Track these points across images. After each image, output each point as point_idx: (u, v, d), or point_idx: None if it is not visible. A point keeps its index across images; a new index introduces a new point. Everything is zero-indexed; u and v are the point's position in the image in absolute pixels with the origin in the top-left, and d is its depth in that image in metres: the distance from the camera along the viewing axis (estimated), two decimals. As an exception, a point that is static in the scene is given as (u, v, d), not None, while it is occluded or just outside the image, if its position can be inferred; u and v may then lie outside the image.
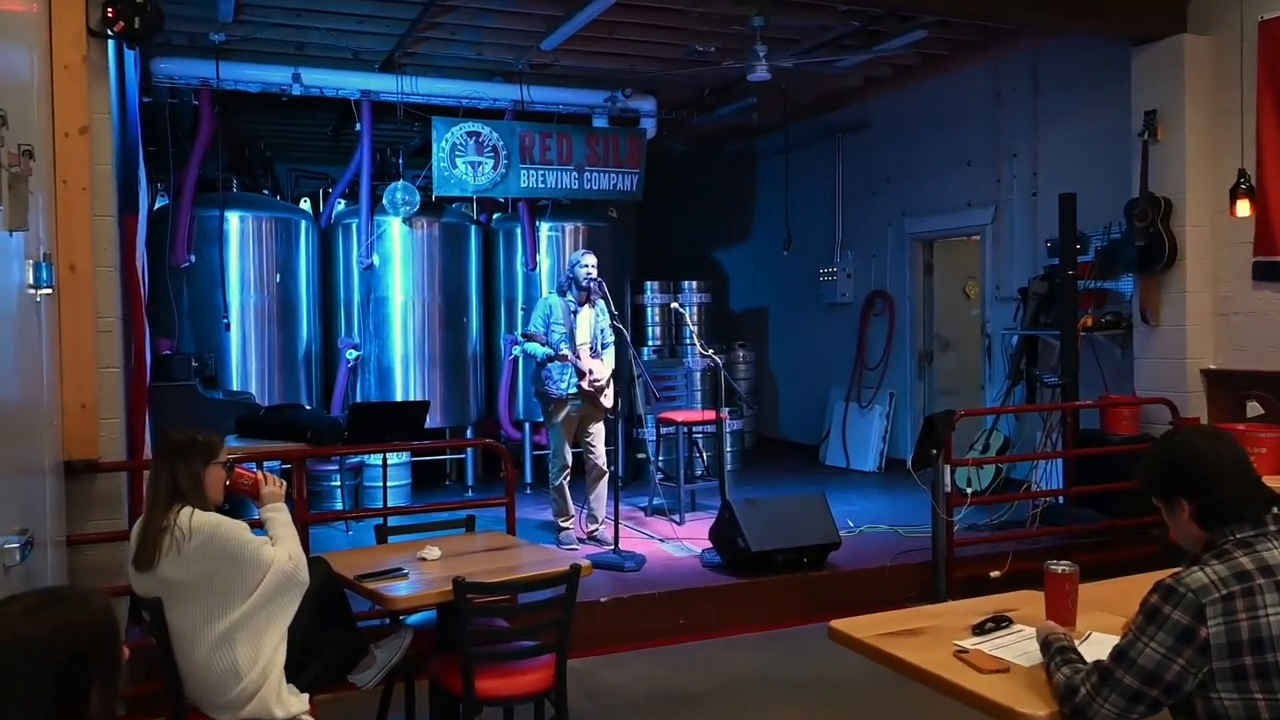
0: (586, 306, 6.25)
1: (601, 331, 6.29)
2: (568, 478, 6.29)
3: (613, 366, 6.29)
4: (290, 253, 7.68)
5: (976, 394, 8.47)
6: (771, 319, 11.02)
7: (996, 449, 7.47)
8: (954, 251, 9.12)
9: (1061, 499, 6.27)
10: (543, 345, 6.04)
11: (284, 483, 3.40)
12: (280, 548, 3.16)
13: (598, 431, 6.30)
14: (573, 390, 6.12)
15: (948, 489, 5.52)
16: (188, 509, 3.06)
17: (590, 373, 6.10)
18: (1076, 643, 2.38)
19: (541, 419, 6.47)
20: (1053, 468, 6.90)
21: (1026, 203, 7.92)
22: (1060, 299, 6.63)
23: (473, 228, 8.41)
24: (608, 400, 6.23)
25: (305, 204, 8.49)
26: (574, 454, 6.31)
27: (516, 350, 8.14)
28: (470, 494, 8.10)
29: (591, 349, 6.23)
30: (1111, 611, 2.62)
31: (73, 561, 4.03)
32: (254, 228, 7.50)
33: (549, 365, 6.09)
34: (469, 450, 8.26)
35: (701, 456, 7.68)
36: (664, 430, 7.58)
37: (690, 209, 12.20)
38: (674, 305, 7.09)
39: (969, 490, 6.53)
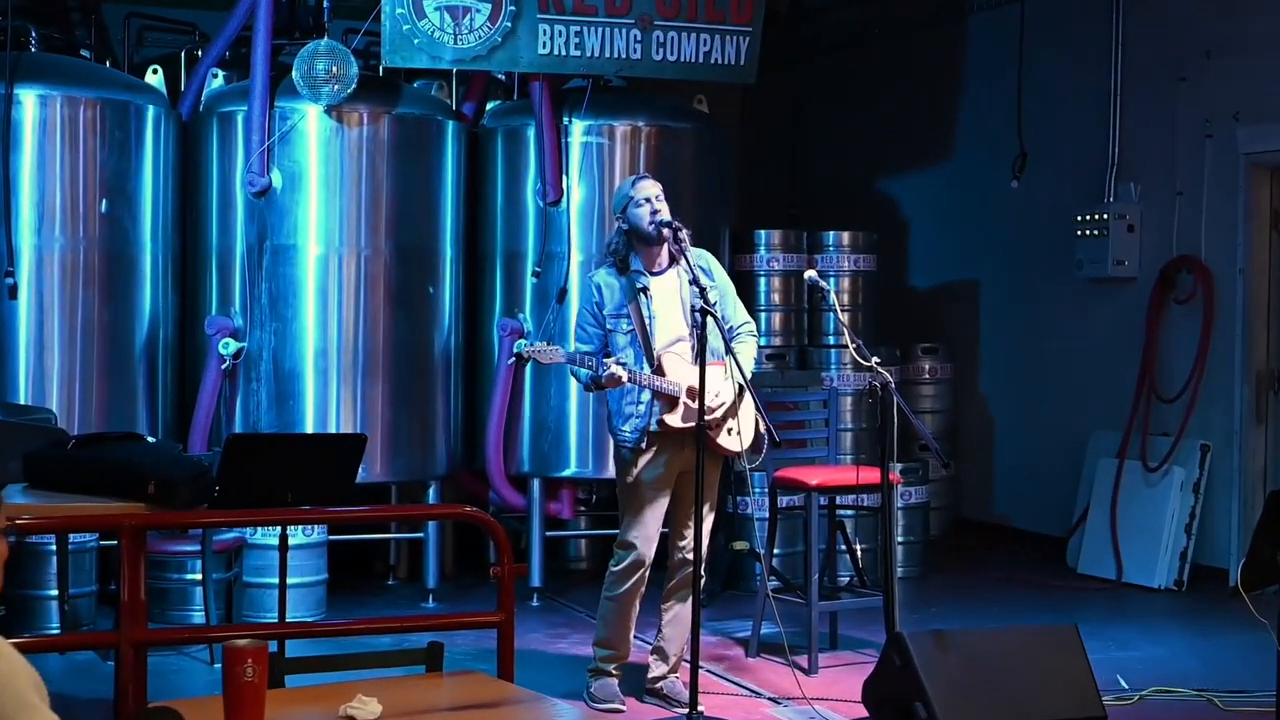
0: (671, 270, 6.23)
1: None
2: (643, 584, 6.24)
3: (750, 367, 6.17)
4: (128, 162, 7.77)
5: (1363, 453, 8.37)
6: (984, 304, 10.96)
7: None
8: (1327, 190, 8.99)
9: None
10: (620, 371, 5.99)
11: None
12: None
13: (705, 500, 6.03)
14: (655, 429, 6.09)
15: (1309, 627, 5.47)
16: None
17: (688, 393, 5.98)
18: None
19: (611, 474, 6.44)
20: None
21: None
22: None
23: (450, 126, 8.48)
24: (733, 440, 6.16)
25: (155, 77, 8.57)
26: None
27: (521, 346, 8.14)
28: (433, 603, 8.15)
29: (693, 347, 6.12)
30: None
31: None
32: (64, 116, 7.59)
33: (610, 391, 6.14)
34: (432, 526, 8.27)
35: (852, 551, 7.65)
36: (785, 500, 7.55)
37: (841, 104, 12.17)
38: (809, 275, 7.01)
39: (1348, 631, 6.44)
